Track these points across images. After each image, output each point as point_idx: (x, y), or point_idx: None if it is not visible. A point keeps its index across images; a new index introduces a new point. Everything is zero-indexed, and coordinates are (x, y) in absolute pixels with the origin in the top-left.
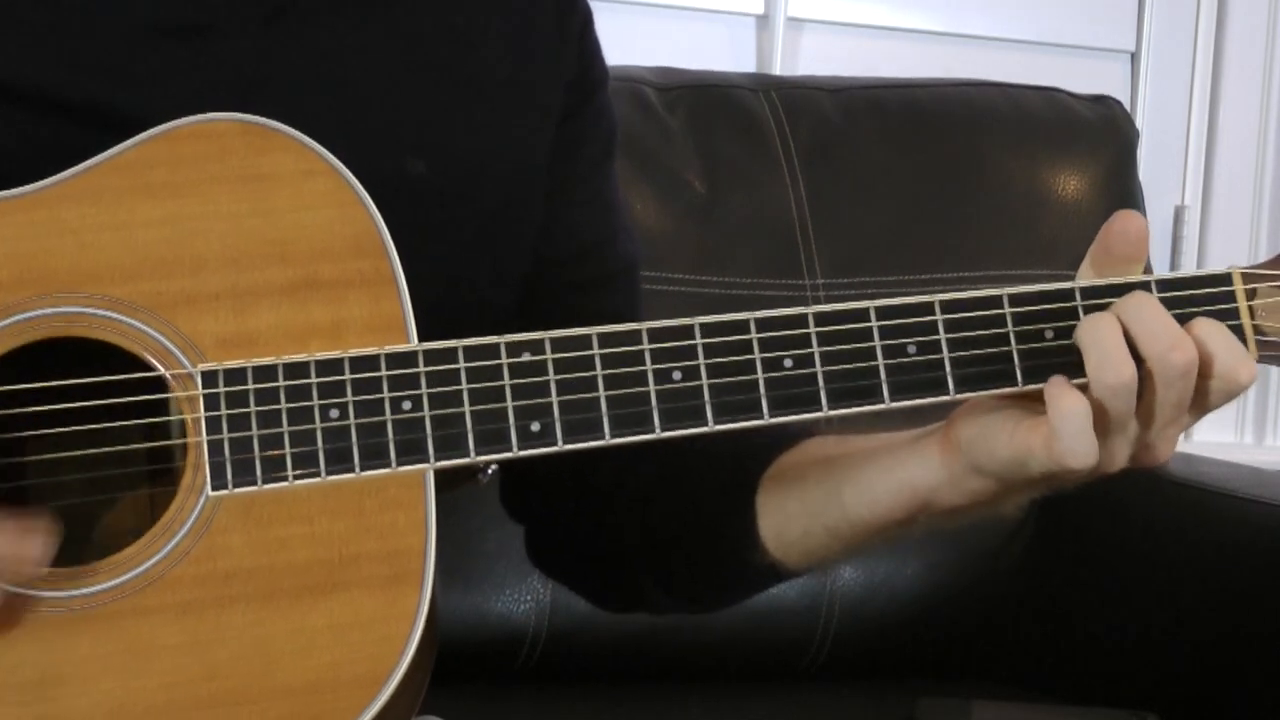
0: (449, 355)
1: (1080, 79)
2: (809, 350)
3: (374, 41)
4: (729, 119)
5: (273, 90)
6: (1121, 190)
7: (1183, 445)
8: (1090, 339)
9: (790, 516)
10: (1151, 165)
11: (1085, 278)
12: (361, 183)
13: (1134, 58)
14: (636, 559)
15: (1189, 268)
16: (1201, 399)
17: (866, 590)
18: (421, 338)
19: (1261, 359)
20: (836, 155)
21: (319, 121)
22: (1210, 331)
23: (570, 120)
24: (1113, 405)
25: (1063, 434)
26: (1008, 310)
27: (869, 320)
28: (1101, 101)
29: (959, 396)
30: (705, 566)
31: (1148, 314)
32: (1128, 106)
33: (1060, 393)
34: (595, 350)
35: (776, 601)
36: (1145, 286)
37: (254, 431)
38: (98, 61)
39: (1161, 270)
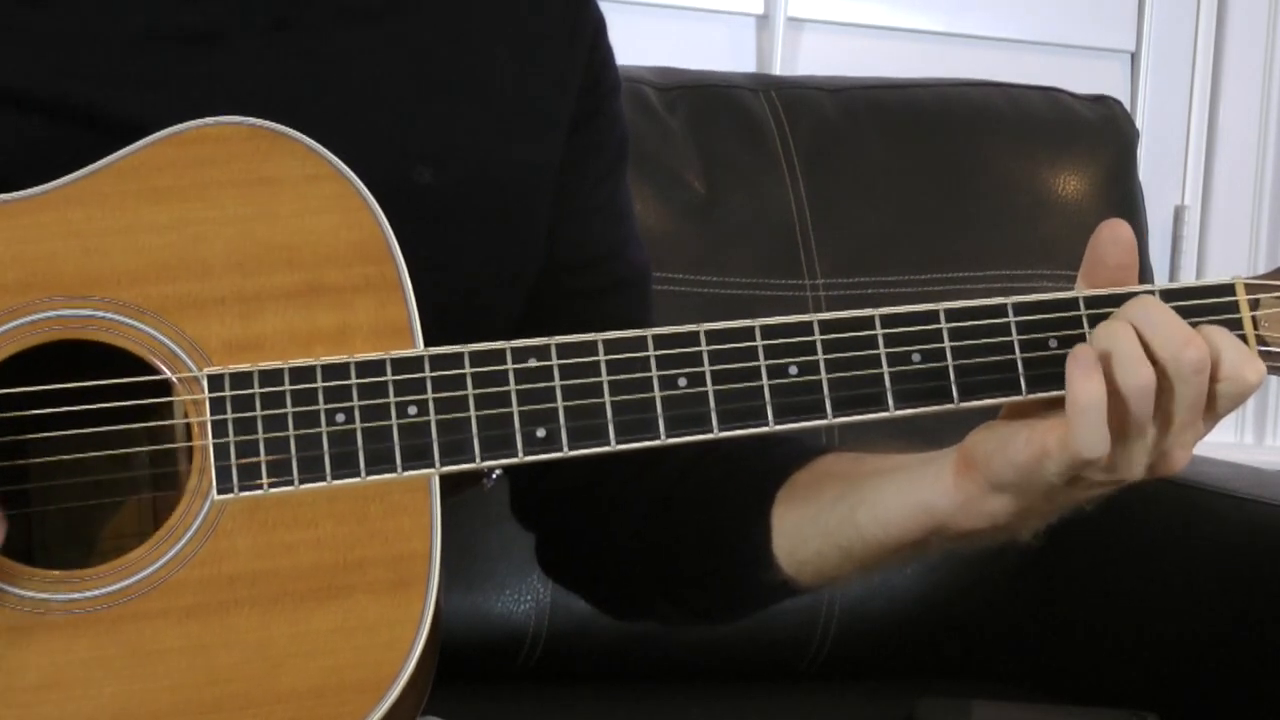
0: (455, 360)
1: (1080, 79)
2: (814, 357)
3: (380, 51)
4: (729, 119)
5: (279, 99)
6: (1121, 190)
7: None
8: (1108, 344)
9: (804, 536)
10: (1151, 165)
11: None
12: (369, 192)
13: (1134, 58)
14: (647, 571)
15: (1189, 268)
16: (1212, 403)
17: (866, 590)
18: (427, 344)
19: (1266, 370)
20: (836, 155)
21: (325, 130)
22: (1215, 335)
23: (582, 128)
24: (1133, 408)
25: (1077, 423)
26: (1012, 319)
27: (873, 328)
28: (1101, 101)
29: (963, 405)
30: (716, 581)
31: (1157, 316)
32: (1128, 106)
33: (1081, 374)
34: (601, 356)
35: None
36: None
37: (259, 435)
38: (102, 68)
39: (1161, 270)
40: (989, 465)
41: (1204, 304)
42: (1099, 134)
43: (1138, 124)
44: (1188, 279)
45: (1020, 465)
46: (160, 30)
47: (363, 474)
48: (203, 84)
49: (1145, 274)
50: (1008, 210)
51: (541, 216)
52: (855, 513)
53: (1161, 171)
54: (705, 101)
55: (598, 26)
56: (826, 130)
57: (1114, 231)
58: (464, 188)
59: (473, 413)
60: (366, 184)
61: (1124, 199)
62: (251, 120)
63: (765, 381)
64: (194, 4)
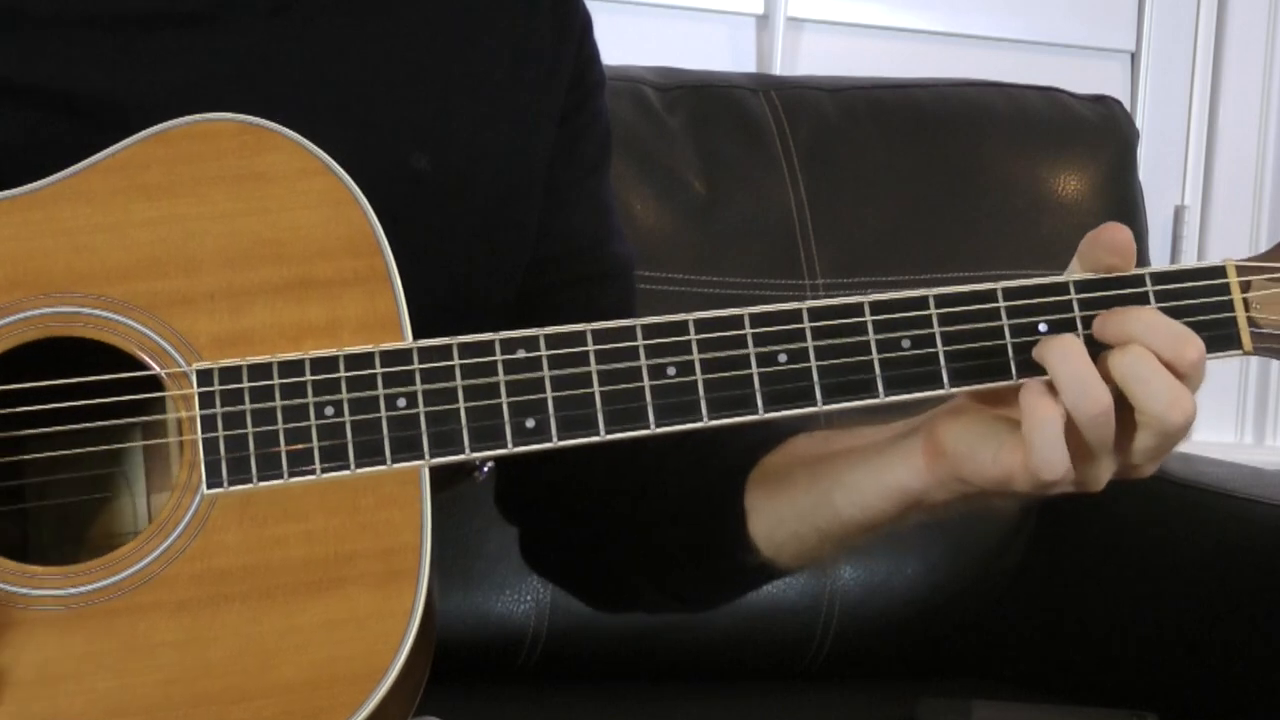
0: (444, 352)
1: (1080, 79)
2: (803, 345)
3: (376, 38)
4: (729, 119)
5: (274, 84)
6: (1121, 190)
7: (1183, 445)
8: (1061, 369)
9: (781, 519)
10: (1151, 165)
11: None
12: (365, 178)
13: (1134, 58)
14: (630, 559)
15: None
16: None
17: (866, 590)
18: (420, 334)
19: (1257, 351)
20: (836, 155)
21: (321, 115)
22: (1149, 315)
23: (568, 121)
24: (1091, 435)
25: (1036, 445)
26: (1002, 304)
27: (863, 315)
28: (1101, 101)
29: (953, 390)
30: (698, 566)
31: (1153, 321)
32: (1128, 106)
33: (1034, 402)
34: (590, 346)
35: (776, 601)
36: (1140, 280)
37: (249, 429)
38: (96, 52)
39: None
40: (956, 463)
41: (1196, 286)
42: (1099, 134)
43: (1138, 124)
44: None
45: (989, 479)
46: (157, 11)
47: (352, 467)
48: (198, 68)
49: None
50: (1008, 210)
51: (533, 205)
52: (831, 495)
53: (1161, 171)
54: (705, 101)
55: (585, 23)
56: (826, 130)
57: (1112, 235)
58: (460, 175)
59: (462, 404)
60: (363, 170)
61: (1124, 199)
62: (241, 116)
63: (755, 369)
64: None
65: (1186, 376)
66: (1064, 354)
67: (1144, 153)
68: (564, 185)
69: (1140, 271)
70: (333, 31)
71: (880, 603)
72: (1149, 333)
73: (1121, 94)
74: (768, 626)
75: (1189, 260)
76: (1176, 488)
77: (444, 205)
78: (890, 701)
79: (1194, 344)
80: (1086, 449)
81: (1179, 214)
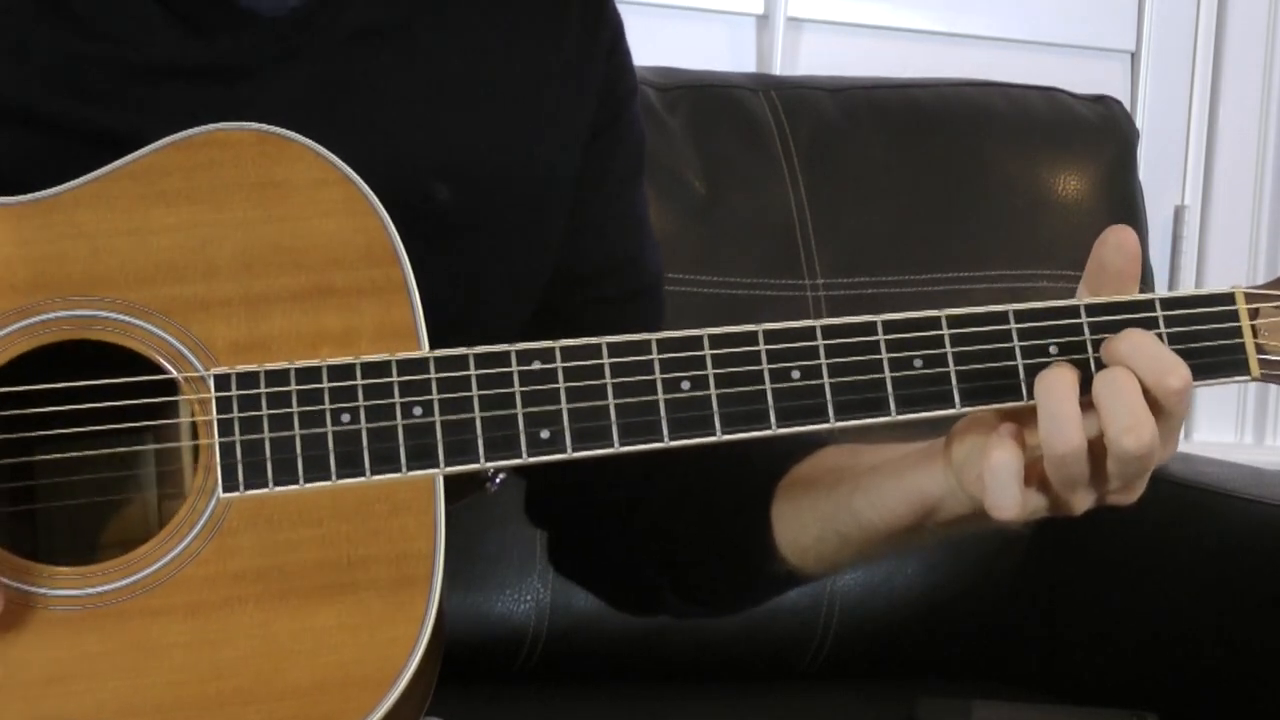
0: (460, 362)
1: (1080, 79)
2: (816, 362)
3: (394, 69)
4: (729, 119)
5: (295, 123)
6: (1121, 190)
7: (1183, 445)
8: (1041, 402)
9: (804, 524)
10: (1151, 165)
11: (1083, 297)
12: (387, 210)
13: (1134, 58)
14: (656, 566)
15: (1189, 268)
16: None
17: (866, 590)
18: (437, 348)
19: (1264, 378)
20: (836, 155)
21: (342, 151)
22: (1138, 337)
23: (601, 135)
24: (1058, 472)
25: (989, 486)
26: (1013, 325)
27: (875, 334)
28: (1101, 101)
29: (964, 410)
30: (724, 574)
31: (1143, 344)
32: (1128, 106)
33: (993, 444)
34: (605, 359)
35: (776, 601)
36: (1150, 305)
37: (265, 435)
38: (115, 93)
39: (1161, 270)
40: (959, 472)
41: (1205, 312)
42: (1099, 134)
43: (1138, 124)
44: (1188, 279)
45: (974, 496)
46: (175, 65)
47: (368, 474)
48: (215, 116)
49: (1145, 274)
50: (1008, 210)
51: (557, 226)
52: (852, 498)
53: (1161, 171)
54: (705, 101)
55: (615, 31)
56: (826, 130)
57: (1119, 238)
58: (480, 200)
59: (477, 414)
60: (384, 202)
61: (1124, 199)
62: (260, 126)
63: (768, 385)
64: (207, 42)
65: (1165, 407)
66: (1047, 388)
67: (1144, 153)
68: (598, 203)
69: (1150, 296)
70: (348, 69)
71: (880, 603)
72: (1134, 354)
73: (1121, 94)
74: (768, 626)
75: (1189, 261)
76: (1176, 488)
77: (464, 232)
78: (890, 701)
79: (1177, 373)
80: (1057, 483)
81: (1179, 214)
